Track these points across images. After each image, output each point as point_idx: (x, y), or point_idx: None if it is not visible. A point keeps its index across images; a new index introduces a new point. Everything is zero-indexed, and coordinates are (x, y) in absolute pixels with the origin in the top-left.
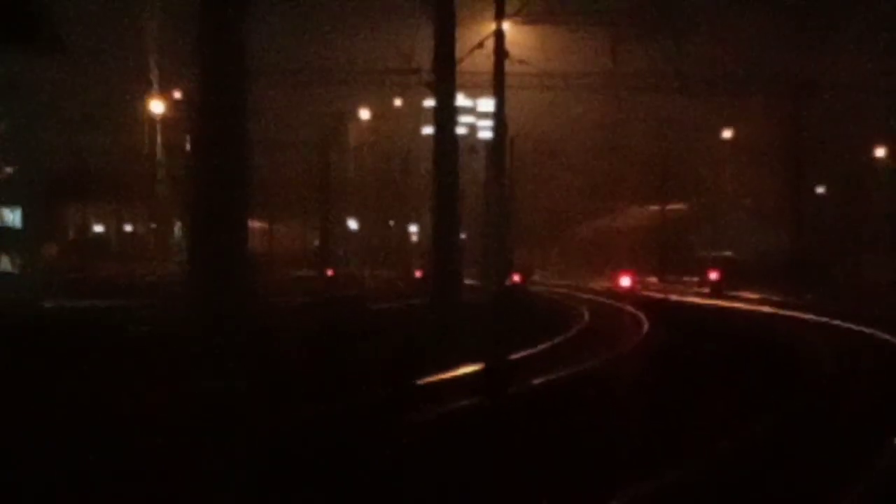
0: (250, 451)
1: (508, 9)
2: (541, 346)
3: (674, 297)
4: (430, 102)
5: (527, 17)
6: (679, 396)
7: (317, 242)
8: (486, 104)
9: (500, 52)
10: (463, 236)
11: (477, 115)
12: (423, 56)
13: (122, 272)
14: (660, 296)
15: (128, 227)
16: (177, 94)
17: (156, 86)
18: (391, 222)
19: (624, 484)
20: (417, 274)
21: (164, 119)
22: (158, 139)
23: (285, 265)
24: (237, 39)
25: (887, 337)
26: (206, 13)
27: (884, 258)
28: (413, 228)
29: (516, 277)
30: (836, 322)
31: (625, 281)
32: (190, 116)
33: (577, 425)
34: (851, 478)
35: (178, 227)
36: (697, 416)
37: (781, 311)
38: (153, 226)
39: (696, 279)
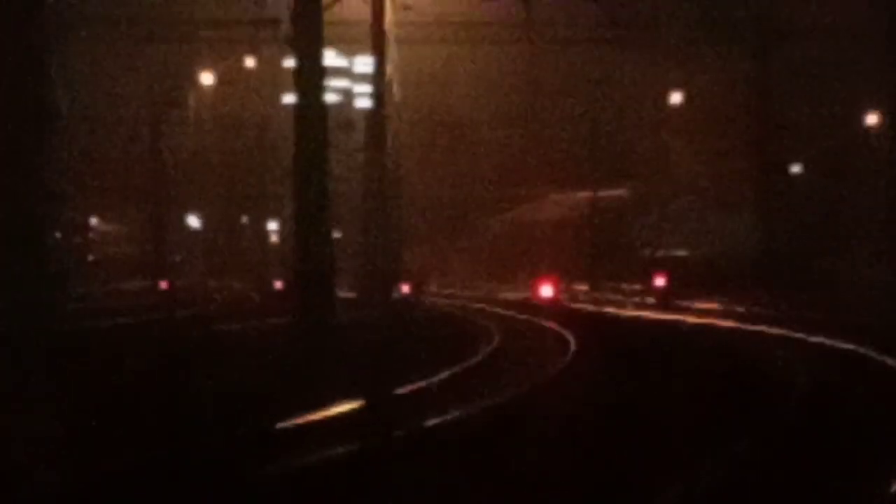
0: None
1: None
2: (436, 377)
3: (609, 311)
4: (290, 62)
5: None
6: (605, 448)
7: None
8: (364, 64)
9: None
10: (337, 235)
11: (353, 77)
12: (282, 3)
13: None
14: (591, 308)
15: None
16: None
17: None
18: (244, 219)
19: None
20: (277, 285)
21: None
22: None
23: (110, 275)
24: None
25: (883, 358)
26: None
27: (874, 253)
28: (272, 226)
29: (406, 288)
30: (818, 339)
31: (546, 290)
32: None
33: (479, 479)
34: None
35: None
36: (626, 476)
37: (746, 326)
38: None
39: (638, 286)
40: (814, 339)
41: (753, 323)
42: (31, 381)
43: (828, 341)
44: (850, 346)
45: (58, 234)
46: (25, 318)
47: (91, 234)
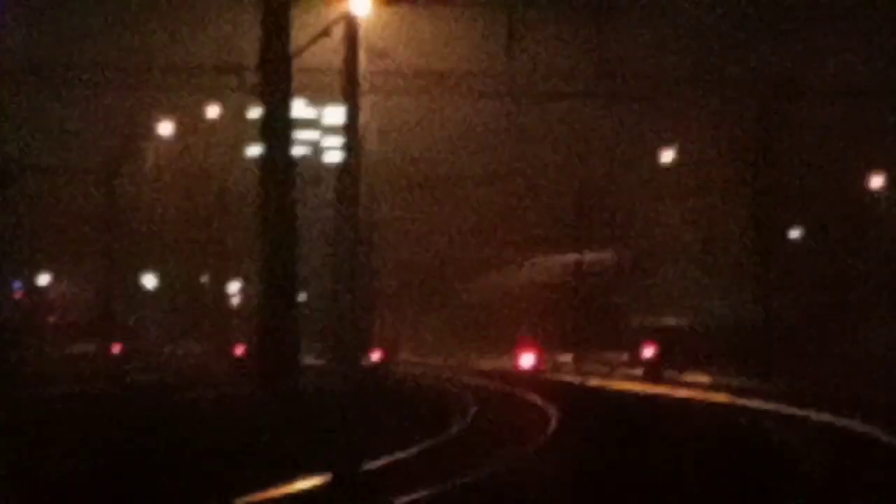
0: None
1: None
2: (408, 451)
3: (593, 383)
4: (256, 112)
5: None
6: None
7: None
8: (335, 114)
9: (354, 42)
10: (303, 297)
11: (322, 129)
12: (248, 48)
13: None
14: (574, 380)
15: None
16: None
17: None
18: (203, 278)
19: None
20: (238, 351)
21: None
22: None
23: (62, 336)
24: None
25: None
26: None
27: (880, 323)
28: (234, 287)
29: (376, 355)
30: (823, 417)
31: (527, 359)
32: None
33: None
34: None
35: None
36: None
37: (740, 401)
38: None
39: (625, 356)
40: (821, 417)
41: (750, 398)
42: None
43: (824, 418)
44: (860, 428)
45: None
46: None
47: (41, 295)
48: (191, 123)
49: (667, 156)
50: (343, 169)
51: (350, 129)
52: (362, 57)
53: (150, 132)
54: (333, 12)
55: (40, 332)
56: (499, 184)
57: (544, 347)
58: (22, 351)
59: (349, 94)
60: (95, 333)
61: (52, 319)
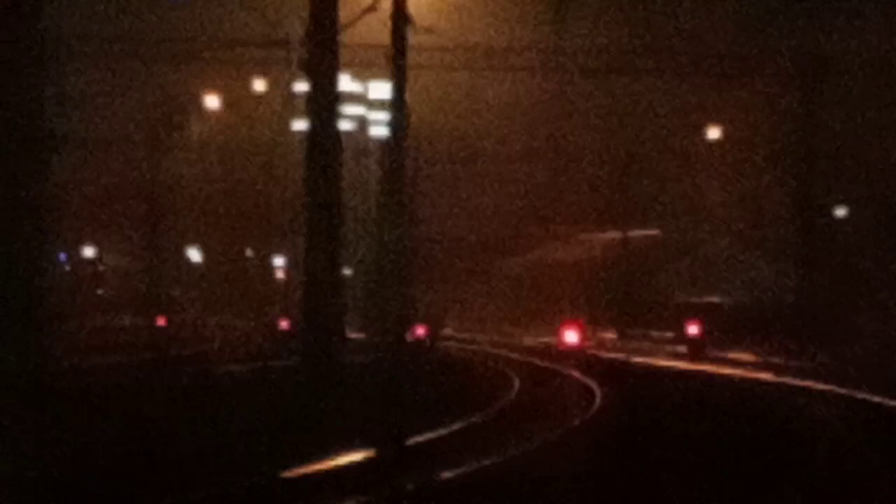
0: None
1: None
2: (451, 427)
3: (637, 360)
4: (302, 87)
5: None
6: None
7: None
8: (381, 90)
9: (401, 17)
10: (347, 272)
11: (368, 104)
12: (294, 23)
13: None
14: (619, 357)
15: None
16: None
17: None
18: (248, 252)
19: None
20: (283, 324)
21: None
22: None
23: (106, 310)
24: None
25: None
26: None
27: None
28: (278, 261)
29: (420, 330)
30: (863, 395)
31: (571, 336)
32: None
33: None
34: None
35: None
36: None
37: (785, 380)
38: None
39: (669, 334)
40: (861, 395)
41: (794, 377)
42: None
43: (873, 398)
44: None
45: (67, 267)
46: (10, 359)
47: (99, 267)
48: (237, 97)
49: (712, 133)
50: (389, 144)
51: (396, 105)
52: (410, 32)
53: (196, 105)
54: None
55: (89, 305)
56: (543, 160)
57: (588, 324)
58: (65, 322)
59: (396, 69)
60: (141, 306)
61: (100, 292)
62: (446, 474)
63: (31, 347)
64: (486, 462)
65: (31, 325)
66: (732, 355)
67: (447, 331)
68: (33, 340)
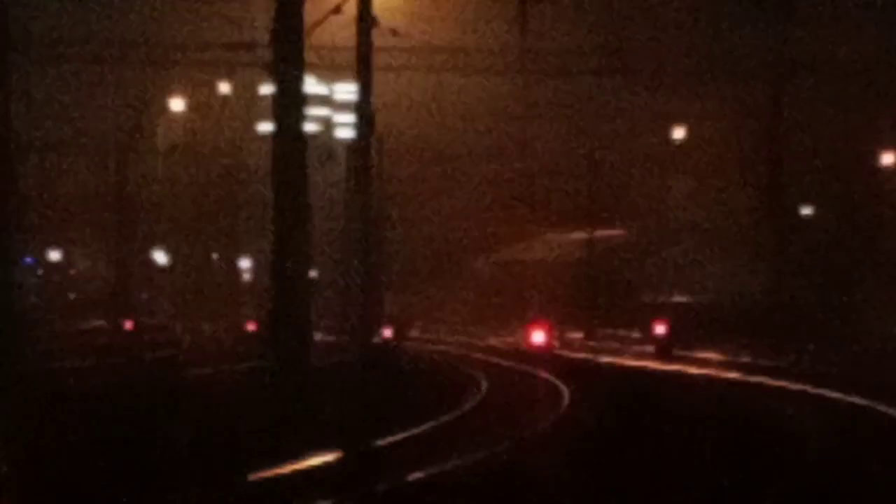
0: None
1: None
2: (420, 427)
3: (604, 360)
4: (268, 89)
5: None
6: None
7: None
8: (347, 91)
9: (366, 18)
10: (314, 274)
11: (334, 105)
12: (260, 24)
13: None
14: (586, 357)
15: None
16: None
17: None
18: (214, 255)
19: None
20: (250, 326)
21: None
22: None
23: (72, 313)
24: None
25: None
26: None
27: (890, 302)
28: (245, 264)
29: (387, 332)
30: (834, 394)
31: (537, 336)
32: None
33: None
34: None
35: None
36: None
37: (751, 378)
38: None
39: (636, 333)
40: (833, 394)
41: (761, 376)
42: None
43: (840, 397)
44: (871, 403)
45: (39, 272)
46: None
47: (71, 271)
48: (202, 100)
49: (678, 132)
50: (355, 145)
51: (362, 106)
52: (375, 33)
53: (161, 108)
54: None
55: (62, 309)
56: (510, 160)
57: (555, 324)
58: (34, 327)
59: (362, 70)
60: (109, 309)
61: (72, 296)
62: (414, 476)
63: (3, 352)
64: (455, 463)
65: (2, 329)
66: (700, 354)
67: (414, 332)
68: (5, 345)
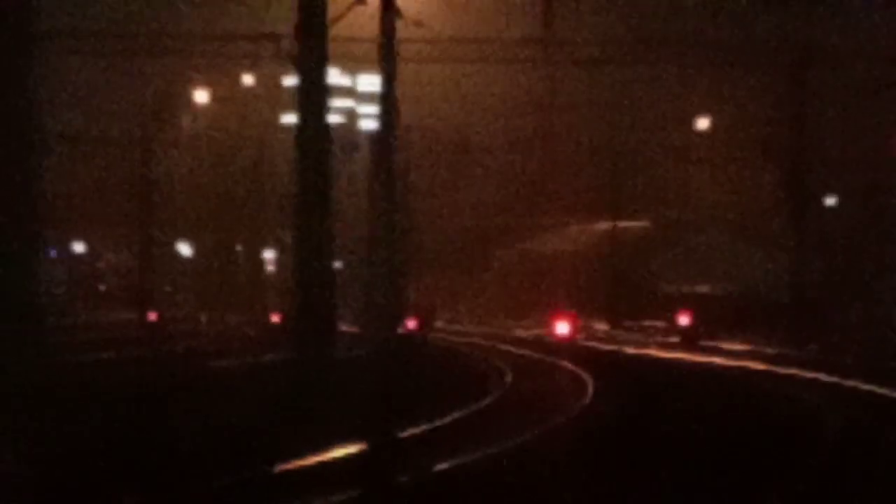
0: None
1: None
2: (443, 420)
3: (629, 351)
4: (291, 80)
5: None
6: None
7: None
8: (370, 82)
9: (390, 9)
10: (338, 265)
11: (357, 97)
12: (283, 16)
13: None
14: (610, 348)
15: None
16: None
17: None
18: (238, 247)
19: None
20: (275, 318)
21: None
22: None
23: (102, 305)
24: None
25: None
26: None
27: None
28: (268, 255)
29: (412, 323)
30: (857, 384)
31: (562, 327)
32: None
33: None
34: None
35: None
36: None
37: (777, 369)
38: None
39: (660, 324)
40: (854, 383)
41: (785, 366)
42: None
43: (866, 387)
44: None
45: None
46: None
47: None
48: (226, 91)
49: (701, 123)
50: (379, 136)
51: (386, 98)
52: (399, 25)
53: (186, 100)
54: None
55: (91, 301)
56: (534, 151)
57: (579, 315)
58: (63, 319)
59: (385, 62)
60: (130, 301)
61: (102, 288)
62: (439, 466)
63: (26, 344)
64: (479, 454)
65: (26, 321)
66: (725, 345)
67: (438, 323)
68: (29, 337)
